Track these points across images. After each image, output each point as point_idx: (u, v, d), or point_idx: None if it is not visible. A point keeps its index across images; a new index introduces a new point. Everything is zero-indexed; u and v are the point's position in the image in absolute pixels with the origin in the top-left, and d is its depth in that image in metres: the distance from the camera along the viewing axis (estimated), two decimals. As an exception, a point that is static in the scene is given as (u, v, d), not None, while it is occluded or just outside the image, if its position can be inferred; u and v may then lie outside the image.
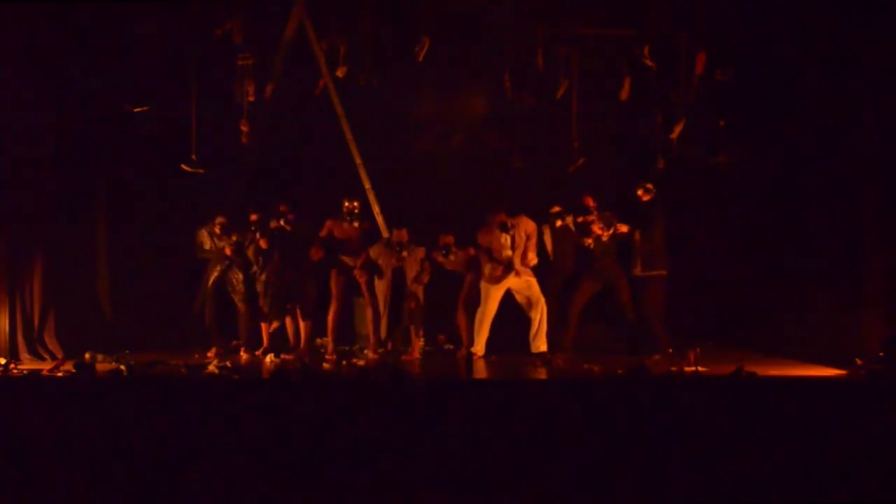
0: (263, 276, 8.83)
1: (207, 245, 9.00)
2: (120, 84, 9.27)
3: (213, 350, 8.80)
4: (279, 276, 8.70)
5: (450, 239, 8.83)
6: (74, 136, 9.03)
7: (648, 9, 9.04)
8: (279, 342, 9.03)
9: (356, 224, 8.69)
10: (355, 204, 8.70)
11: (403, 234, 8.85)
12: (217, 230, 8.96)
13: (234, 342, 9.23)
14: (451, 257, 8.79)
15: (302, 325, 8.80)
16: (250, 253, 8.94)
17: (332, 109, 9.75)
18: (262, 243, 8.73)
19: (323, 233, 8.68)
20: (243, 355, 8.90)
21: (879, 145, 7.52)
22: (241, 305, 9.04)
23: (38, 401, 6.77)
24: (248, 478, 6.19)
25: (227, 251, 8.93)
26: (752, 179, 9.43)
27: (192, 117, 9.28)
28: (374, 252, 8.95)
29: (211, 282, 9.01)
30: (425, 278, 8.88)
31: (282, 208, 8.76)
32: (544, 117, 9.66)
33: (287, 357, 8.58)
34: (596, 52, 9.47)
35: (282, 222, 8.70)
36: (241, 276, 9.00)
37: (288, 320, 8.91)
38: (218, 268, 8.99)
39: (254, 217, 8.83)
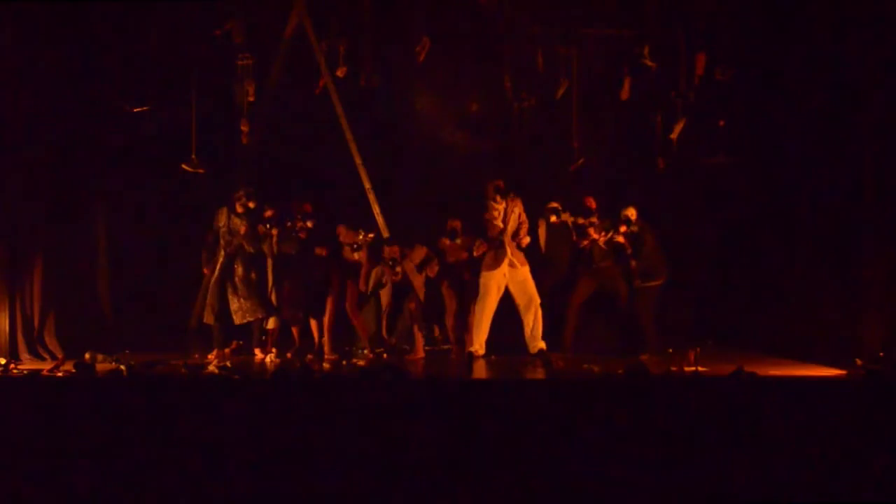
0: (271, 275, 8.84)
1: (222, 221, 8.66)
2: (120, 84, 9.27)
3: (214, 352, 8.67)
4: (302, 276, 8.73)
5: (457, 223, 8.72)
6: (74, 136, 9.03)
7: (648, 9, 9.05)
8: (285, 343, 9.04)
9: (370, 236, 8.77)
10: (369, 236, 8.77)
11: (395, 251, 8.73)
12: (243, 197, 8.62)
13: (236, 343, 9.18)
14: (458, 241, 8.70)
15: (315, 324, 8.84)
16: (265, 248, 8.82)
17: (332, 109, 9.75)
18: (287, 248, 8.69)
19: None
20: (258, 355, 8.83)
21: (880, 144, 7.52)
22: (237, 304, 8.69)
23: (38, 401, 6.76)
24: (249, 478, 6.19)
25: (243, 229, 8.61)
26: (752, 179, 9.42)
27: (192, 117, 9.28)
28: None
29: (215, 276, 8.72)
30: (434, 271, 8.81)
31: (307, 208, 8.75)
32: (544, 117, 9.65)
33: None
34: (596, 52, 9.48)
35: (308, 224, 8.67)
36: (241, 271, 8.67)
37: (311, 321, 8.90)
38: (222, 257, 8.64)
39: (269, 213, 8.77)
